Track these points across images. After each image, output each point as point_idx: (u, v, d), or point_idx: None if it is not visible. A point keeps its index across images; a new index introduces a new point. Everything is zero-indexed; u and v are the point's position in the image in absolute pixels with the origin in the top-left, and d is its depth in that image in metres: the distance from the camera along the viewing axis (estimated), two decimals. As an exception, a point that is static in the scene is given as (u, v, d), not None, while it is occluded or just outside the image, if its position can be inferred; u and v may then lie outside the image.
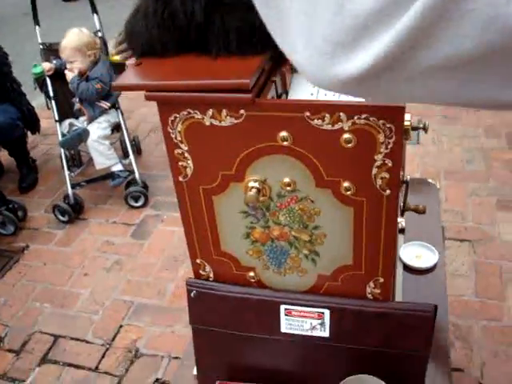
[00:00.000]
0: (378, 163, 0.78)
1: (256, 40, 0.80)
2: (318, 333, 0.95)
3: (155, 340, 2.02)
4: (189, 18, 0.77)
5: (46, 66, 2.58)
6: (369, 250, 0.87)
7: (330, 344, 0.95)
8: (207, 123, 0.79)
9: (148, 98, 0.79)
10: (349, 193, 0.81)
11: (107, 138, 2.60)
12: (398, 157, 0.77)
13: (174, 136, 0.82)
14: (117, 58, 2.91)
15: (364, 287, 0.92)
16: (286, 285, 0.95)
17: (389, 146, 0.76)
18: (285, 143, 0.78)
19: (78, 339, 2.06)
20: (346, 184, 0.81)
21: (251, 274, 0.96)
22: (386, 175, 0.78)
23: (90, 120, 2.57)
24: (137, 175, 2.65)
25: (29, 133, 2.85)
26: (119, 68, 2.76)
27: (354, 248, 0.88)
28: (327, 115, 0.75)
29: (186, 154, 0.84)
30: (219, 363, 1.05)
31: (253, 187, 0.83)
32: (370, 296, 0.93)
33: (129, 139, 2.67)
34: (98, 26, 2.68)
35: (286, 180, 0.82)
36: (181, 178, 0.87)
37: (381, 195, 0.81)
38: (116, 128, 2.69)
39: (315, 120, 0.76)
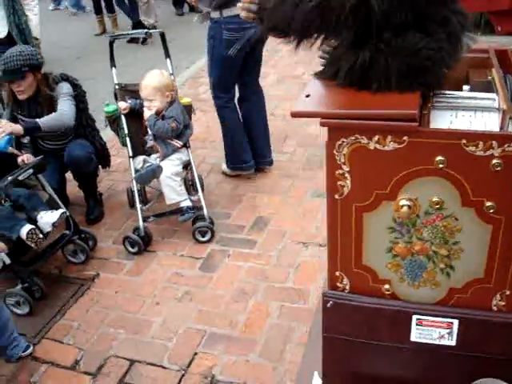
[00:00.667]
0: (521, 183, 0.90)
1: (412, 80, 0.94)
2: (445, 341, 1.05)
3: (230, 368, 2.09)
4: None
5: (122, 105, 2.76)
6: (500, 264, 0.99)
7: (456, 352, 1.05)
8: (371, 147, 0.93)
9: (323, 124, 0.93)
10: (490, 211, 0.94)
11: (179, 174, 2.75)
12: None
13: (338, 158, 0.96)
14: (186, 100, 3.07)
15: (490, 300, 1.03)
16: (419, 297, 1.06)
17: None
18: (440, 166, 0.92)
19: (154, 364, 2.14)
20: (488, 203, 0.93)
21: (386, 286, 1.07)
22: (529, 195, 0.91)
23: (163, 157, 2.73)
24: (205, 211, 2.78)
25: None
26: (188, 109, 2.95)
27: (487, 262, 0.99)
28: (481, 143, 0.88)
29: (347, 175, 0.97)
30: (346, 373, 1.15)
31: (404, 205, 0.96)
32: (495, 308, 1.04)
33: (198, 177, 2.82)
34: (170, 70, 2.88)
35: (435, 199, 0.95)
36: (337, 196, 1.00)
37: (516, 212, 0.93)
38: (185, 166, 2.84)
39: (470, 147, 0.89)
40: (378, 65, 0.94)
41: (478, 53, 1.16)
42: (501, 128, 0.96)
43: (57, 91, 2.72)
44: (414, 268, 1.03)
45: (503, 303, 1.03)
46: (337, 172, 0.97)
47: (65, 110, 2.68)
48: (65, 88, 2.75)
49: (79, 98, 2.82)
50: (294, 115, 0.94)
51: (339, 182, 0.98)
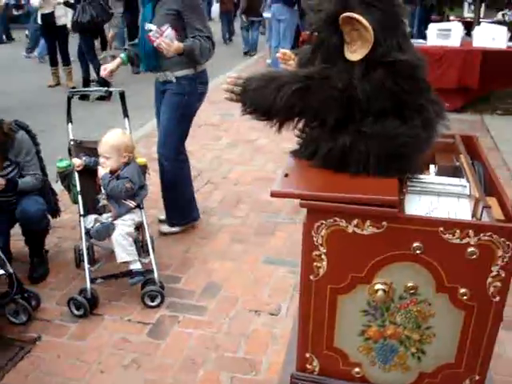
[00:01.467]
0: (493, 274, 0.93)
1: (390, 165, 0.97)
2: (416, 428, 1.03)
3: None
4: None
5: (77, 161, 2.70)
6: (471, 349, 0.99)
7: None
8: (350, 231, 0.94)
9: (302, 206, 0.93)
10: (464, 298, 0.95)
11: (131, 235, 2.68)
12: (511, 269, 0.92)
13: (315, 239, 0.96)
14: (142, 160, 3.04)
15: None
16: (389, 381, 1.05)
17: (505, 260, 0.91)
18: (417, 252, 0.93)
19: None
20: (462, 290, 0.95)
21: (357, 369, 1.05)
22: (499, 284, 0.93)
23: (116, 217, 2.66)
24: (155, 275, 2.71)
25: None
26: (143, 169, 2.92)
27: (458, 347, 1.00)
28: (458, 231, 0.91)
29: (323, 256, 0.97)
30: None
31: (379, 289, 0.96)
32: (465, 394, 1.03)
33: (150, 239, 2.76)
34: (128, 129, 2.86)
35: (410, 284, 0.96)
36: (312, 277, 0.99)
37: (490, 301, 0.95)
38: (137, 227, 2.78)
39: (447, 234, 0.91)
40: (358, 149, 0.96)
41: (444, 137, 1.20)
42: (472, 215, 0.99)
43: (17, 143, 2.66)
44: (385, 352, 1.03)
45: (473, 389, 1.03)
46: (313, 253, 0.97)
47: (38, 174, 2.65)
48: (27, 144, 2.69)
49: (37, 150, 2.77)
50: (275, 195, 0.94)
51: (315, 263, 0.98)
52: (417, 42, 6.51)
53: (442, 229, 0.90)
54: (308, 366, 1.07)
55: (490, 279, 0.93)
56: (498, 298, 0.94)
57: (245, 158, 4.99)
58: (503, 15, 9.26)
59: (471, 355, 0.99)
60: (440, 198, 1.02)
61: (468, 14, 9.98)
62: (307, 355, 1.06)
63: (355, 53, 0.96)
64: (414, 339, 1.00)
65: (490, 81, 6.45)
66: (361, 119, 0.96)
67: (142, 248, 2.94)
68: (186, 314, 2.76)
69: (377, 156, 0.96)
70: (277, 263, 3.29)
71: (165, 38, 2.81)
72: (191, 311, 2.78)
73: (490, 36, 6.14)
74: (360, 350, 1.03)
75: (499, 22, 8.23)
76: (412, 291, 0.96)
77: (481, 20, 8.19)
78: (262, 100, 1.00)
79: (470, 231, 0.90)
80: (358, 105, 0.95)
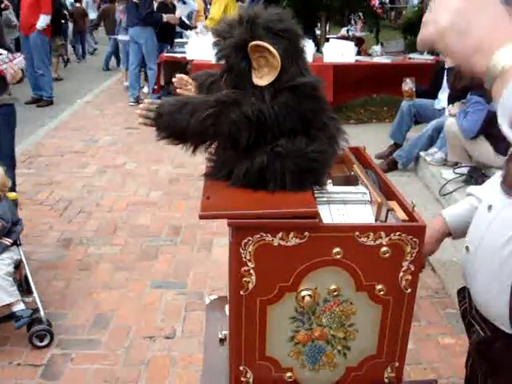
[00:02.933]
0: (404, 268, 1.04)
1: (303, 180, 1.05)
2: (348, 421, 1.12)
3: None
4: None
5: None
6: (390, 339, 1.10)
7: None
8: (275, 244, 0.99)
9: (230, 224, 0.97)
10: (381, 293, 1.05)
11: (11, 274, 2.52)
12: (419, 262, 1.04)
13: (243, 256, 1.00)
14: (13, 194, 2.91)
15: (382, 373, 1.13)
16: (319, 380, 1.12)
17: (413, 255, 1.03)
18: (337, 257, 1.01)
19: None
20: (379, 286, 1.05)
21: (289, 374, 1.11)
22: (409, 277, 1.05)
23: (-9, 258, 2.49)
24: (42, 313, 2.57)
25: None
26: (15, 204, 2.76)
27: (378, 339, 1.10)
28: (371, 234, 1.00)
29: (252, 271, 1.01)
30: None
31: (305, 295, 1.03)
32: (386, 380, 1.14)
33: (31, 276, 2.61)
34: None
35: (333, 287, 1.04)
36: (242, 292, 1.03)
37: (404, 293, 1.06)
38: (16, 266, 2.62)
39: (362, 238, 1.00)
40: (274, 168, 1.03)
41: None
42: (376, 219, 1.10)
43: None
44: (314, 353, 1.09)
45: (393, 374, 1.13)
46: (242, 269, 1.01)
47: None
48: None
49: None
50: (203, 217, 0.97)
51: (244, 279, 1.02)
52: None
53: (357, 233, 1.00)
54: (242, 379, 1.10)
55: (401, 273, 1.03)
56: (409, 290, 1.05)
57: (116, 184, 4.88)
58: (347, 31, 10.07)
59: (391, 344, 1.10)
60: (346, 206, 1.11)
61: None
62: (241, 368, 1.09)
63: (262, 78, 1.03)
64: (339, 337, 1.08)
65: (341, 93, 6.96)
66: (273, 140, 1.03)
67: (20, 286, 2.78)
68: (79, 349, 2.64)
69: (291, 172, 1.03)
70: (164, 286, 3.26)
71: (14, 65, 2.69)
72: (84, 346, 2.67)
73: (339, 51, 6.63)
74: (291, 355, 1.09)
75: (345, 38, 8.95)
76: (335, 293, 1.04)
77: (327, 36, 8.82)
78: (176, 125, 1.02)
79: (382, 233, 1.00)
80: (269, 127, 1.01)
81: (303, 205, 0.99)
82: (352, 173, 1.28)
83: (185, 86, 1.29)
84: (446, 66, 5.52)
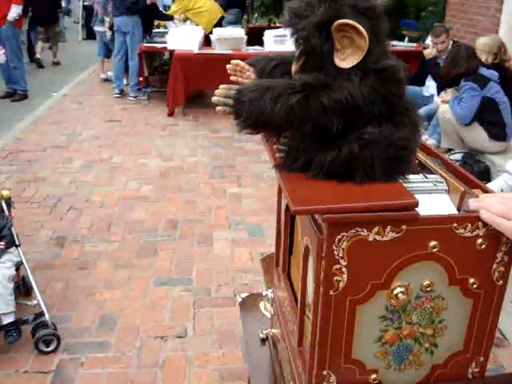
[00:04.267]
0: (498, 260, 0.98)
1: (392, 169, 0.98)
2: (433, 421, 1.06)
3: None
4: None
5: None
6: (478, 333, 1.05)
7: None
8: (371, 239, 0.93)
9: (325, 220, 0.90)
10: (473, 287, 1.00)
11: (13, 278, 2.40)
12: (511, 249, 0.99)
13: (336, 253, 0.93)
14: (4, 192, 2.78)
15: (467, 368, 1.08)
16: (404, 380, 1.06)
17: (508, 245, 0.97)
18: (433, 250, 0.95)
19: None
20: (472, 280, 0.99)
21: (374, 376, 1.05)
22: (502, 268, 0.99)
23: (-10, 261, 2.36)
24: (47, 316, 2.45)
25: None
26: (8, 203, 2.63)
27: (466, 334, 1.04)
28: (469, 225, 0.95)
29: (344, 269, 0.94)
30: None
31: (399, 292, 0.97)
32: (470, 376, 1.09)
33: (26, 278, 2.50)
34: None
35: (426, 282, 0.98)
36: (331, 292, 0.96)
37: (495, 286, 1.01)
38: (17, 268, 2.50)
39: (460, 229, 0.95)
40: (364, 156, 0.96)
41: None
42: (458, 209, 1.05)
43: None
44: (401, 353, 1.03)
45: (477, 370, 1.08)
46: (334, 267, 0.94)
47: None
48: None
49: None
50: (297, 212, 0.89)
51: (335, 278, 0.95)
52: (253, 49, 6.76)
53: (455, 224, 0.94)
54: (324, 383, 1.04)
55: (495, 265, 0.98)
56: (501, 282, 1.00)
57: (104, 179, 4.75)
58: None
59: (478, 339, 1.05)
60: (430, 196, 1.05)
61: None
62: (324, 373, 1.03)
63: (346, 60, 0.95)
64: (427, 335, 1.02)
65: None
66: (360, 127, 0.96)
67: (18, 289, 2.67)
68: (88, 353, 2.54)
69: (382, 162, 0.96)
70: (169, 283, 3.18)
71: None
72: (92, 349, 2.56)
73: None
74: (377, 355, 1.03)
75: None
76: (428, 289, 0.98)
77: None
78: (259, 112, 0.94)
79: (480, 223, 0.94)
80: (358, 112, 0.94)
81: (401, 196, 0.93)
82: (417, 161, 1.22)
83: (241, 72, 1.21)
84: (427, 58, 5.53)
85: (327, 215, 0.89)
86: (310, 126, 0.95)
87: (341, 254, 0.93)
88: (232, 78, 1.24)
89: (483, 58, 4.57)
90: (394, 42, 7.56)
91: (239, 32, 6.99)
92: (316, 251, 0.97)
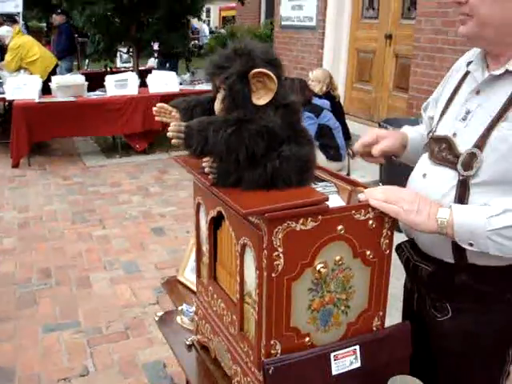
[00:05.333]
0: (384, 234, 1.36)
1: (303, 177, 1.31)
2: (354, 365, 1.39)
3: None
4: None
5: None
6: (377, 293, 1.40)
7: (363, 371, 1.39)
8: (298, 229, 1.23)
9: (267, 218, 1.18)
10: (370, 257, 1.35)
11: None
12: (393, 228, 1.36)
13: (275, 243, 1.22)
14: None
15: (372, 323, 1.43)
16: (329, 339, 1.37)
17: (389, 223, 1.35)
18: (341, 232, 1.29)
19: None
20: (368, 252, 1.35)
21: (307, 339, 1.35)
22: (387, 241, 1.37)
23: None
24: None
25: None
26: None
27: (369, 295, 1.39)
28: (363, 211, 1.30)
29: (281, 255, 1.24)
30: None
31: (320, 268, 1.29)
32: (375, 328, 1.44)
33: None
34: None
35: (338, 257, 1.31)
36: (273, 274, 1.25)
37: (384, 255, 1.38)
38: None
39: (357, 215, 1.30)
40: (282, 170, 1.27)
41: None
42: (348, 203, 1.41)
43: None
44: (325, 317, 1.35)
45: (379, 323, 1.44)
46: (274, 254, 1.23)
47: None
48: None
49: None
50: (248, 214, 1.17)
51: (275, 262, 1.24)
52: (95, 95, 6.86)
53: (353, 211, 1.29)
54: (272, 351, 1.31)
55: (382, 239, 1.35)
56: (387, 251, 1.37)
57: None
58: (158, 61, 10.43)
59: (377, 298, 1.40)
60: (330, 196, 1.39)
61: (121, 64, 10.81)
62: (272, 342, 1.30)
63: (260, 99, 1.27)
64: (342, 299, 1.35)
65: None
66: (278, 147, 1.27)
67: None
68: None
69: (294, 172, 1.28)
70: (58, 329, 3.21)
71: None
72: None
73: (163, 82, 6.93)
74: (308, 322, 1.33)
75: (154, 68, 9.24)
76: (339, 262, 1.31)
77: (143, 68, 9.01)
78: (205, 143, 1.21)
79: (369, 209, 1.30)
80: (276, 136, 1.26)
81: (315, 195, 1.26)
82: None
83: (168, 113, 1.46)
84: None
85: (267, 214, 1.18)
86: (244, 150, 1.24)
87: (278, 243, 1.23)
88: (157, 118, 1.48)
89: (317, 88, 5.24)
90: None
91: (79, 78, 7.04)
92: (258, 244, 1.25)
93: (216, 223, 1.55)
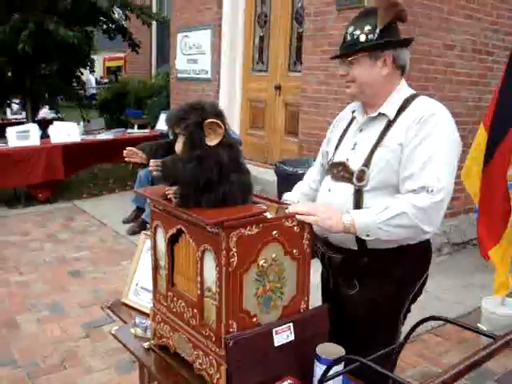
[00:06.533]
0: (305, 236, 1.85)
1: (245, 198, 1.79)
2: (290, 338, 1.84)
3: None
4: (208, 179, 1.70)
5: None
6: (302, 282, 1.88)
7: (296, 342, 1.85)
8: (246, 234, 1.69)
9: (226, 225, 1.63)
10: (296, 254, 1.84)
11: None
12: (311, 232, 1.86)
13: (231, 245, 1.67)
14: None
15: (300, 305, 1.90)
16: (271, 318, 1.82)
17: (309, 228, 1.85)
18: (276, 236, 1.76)
19: None
20: (295, 250, 1.83)
21: (254, 319, 1.79)
22: (307, 242, 1.86)
23: None
24: None
25: None
26: None
27: (297, 283, 1.87)
28: (290, 220, 1.79)
29: (235, 254, 1.68)
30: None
31: (262, 264, 1.75)
32: (302, 309, 1.91)
33: None
34: None
35: (274, 255, 1.78)
36: (230, 269, 1.69)
37: (305, 252, 1.87)
38: None
39: (286, 223, 1.79)
40: (231, 193, 1.73)
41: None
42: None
43: None
44: (267, 301, 1.80)
45: (305, 306, 1.91)
46: (230, 253, 1.67)
47: None
48: None
49: None
50: (211, 223, 1.61)
51: (231, 260, 1.68)
52: (-3, 145, 6.92)
53: (284, 220, 1.77)
54: (230, 329, 1.73)
55: (304, 240, 1.84)
56: (308, 249, 1.86)
57: None
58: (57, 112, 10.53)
59: (302, 286, 1.88)
60: (263, 211, 1.87)
61: (11, 116, 10.74)
62: (230, 322, 1.72)
63: (212, 141, 1.73)
64: (278, 287, 1.81)
65: (72, 168, 7.45)
66: (227, 176, 1.74)
67: None
68: None
69: (240, 194, 1.75)
70: None
71: None
72: None
73: (65, 132, 7.16)
74: (255, 305, 1.77)
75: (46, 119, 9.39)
76: (275, 259, 1.78)
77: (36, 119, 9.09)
78: (175, 174, 1.65)
79: (294, 218, 1.80)
80: (226, 168, 1.72)
81: (257, 209, 1.73)
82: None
83: (135, 155, 1.88)
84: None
85: (225, 223, 1.64)
86: (204, 178, 1.69)
87: (232, 245, 1.67)
88: (127, 159, 1.89)
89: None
90: (129, 130, 8.54)
91: (-22, 131, 7.06)
92: (218, 247, 1.68)
93: (172, 241, 1.96)
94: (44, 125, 8.05)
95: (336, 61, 2.10)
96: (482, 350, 1.35)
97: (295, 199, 2.28)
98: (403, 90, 2.00)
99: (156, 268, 2.12)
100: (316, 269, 2.15)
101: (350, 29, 1.99)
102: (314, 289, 2.00)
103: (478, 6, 5.43)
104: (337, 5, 5.68)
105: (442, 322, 3.25)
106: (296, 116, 6.61)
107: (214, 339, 1.79)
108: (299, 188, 2.40)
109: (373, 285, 2.01)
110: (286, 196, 2.36)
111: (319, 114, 5.98)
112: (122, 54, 18.39)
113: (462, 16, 5.32)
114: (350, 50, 1.97)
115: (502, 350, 1.36)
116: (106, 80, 21.16)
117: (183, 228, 1.86)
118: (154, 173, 1.66)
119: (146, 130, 8.81)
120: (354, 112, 2.14)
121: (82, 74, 10.55)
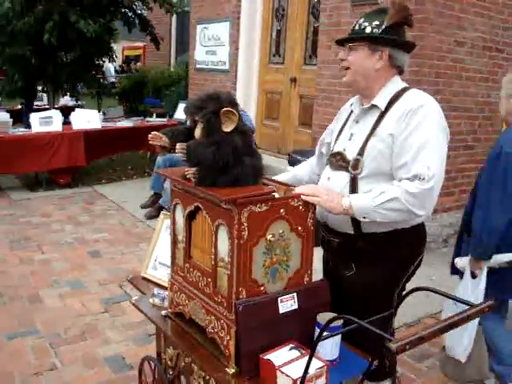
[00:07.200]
0: (309, 215, 2.05)
1: (256, 178, 1.99)
2: (293, 307, 2.04)
3: None
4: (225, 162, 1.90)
5: None
6: (306, 257, 2.08)
7: (300, 311, 2.05)
8: (256, 211, 1.90)
9: (239, 202, 1.83)
10: (301, 231, 2.04)
11: None
12: (314, 211, 2.06)
13: (242, 220, 1.87)
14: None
15: (303, 278, 2.10)
16: (277, 288, 2.03)
17: (313, 208, 2.05)
18: (283, 214, 1.96)
19: None
20: (300, 228, 2.03)
21: (262, 288, 1.99)
22: (312, 220, 2.06)
23: None
24: None
25: None
26: None
27: (301, 258, 2.07)
28: (296, 200, 1.99)
29: (246, 228, 1.89)
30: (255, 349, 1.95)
31: (271, 238, 1.95)
32: (305, 282, 2.11)
33: None
34: None
35: (281, 231, 1.98)
36: (241, 241, 1.89)
37: (310, 229, 2.07)
38: None
39: (292, 202, 1.99)
40: (244, 174, 1.93)
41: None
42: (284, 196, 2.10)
43: None
44: (273, 272, 2.00)
45: (308, 279, 2.11)
46: (241, 227, 1.88)
47: None
48: None
49: None
50: (227, 200, 1.82)
51: (242, 233, 1.88)
52: (20, 131, 7.18)
53: (290, 200, 1.97)
54: (240, 296, 1.94)
55: (308, 219, 2.04)
56: (312, 228, 2.06)
57: None
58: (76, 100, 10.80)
59: (306, 260, 2.08)
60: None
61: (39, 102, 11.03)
62: (240, 289, 1.93)
63: (227, 128, 1.94)
64: (284, 260, 2.01)
65: (92, 155, 7.69)
66: (241, 157, 1.94)
67: None
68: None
69: (252, 175, 1.95)
70: (19, 336, 3.63)
71: None
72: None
73: (86, 119, 7.41)
74: (263, 275, 1.97)
75: (78, 106, 9.64)
76: (282, 234, 1.98)
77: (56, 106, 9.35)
78: (198, 156, 1.85)
79: (299, 198, 1.99)
80: (239, 151, 1.93)
81: (267, 189, 1.94)
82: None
83: (159, 139, 2.09)
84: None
85: (238, 200, 1.84)
86: (221, 161, 1.89)
87: (244, 220, 1.88)
88: (151, 142, 2.10)
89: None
90: (148, 119, 8.78)
91: (4, 116, 7.33)
92: (231, 222, 1.89)
93: (190, 217, 2.17)
94: (65, 112, 8.29)
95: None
96: (460, 313, 1.54)
97: (286, 179, 2.47)
98: (396, 83, 2.18)
99: (175, 242, 2.33)
100: (319, 258, 2.33)
101: (361, 20, 2.19)
102: (316, 276, 2.18)
103: (489, 4, 5.55)
104: (352, 1, 5.84)
105: (442, 308, 3.41)
106: (310, 108, 6.79)
107: (225, 305, 2.00)
108: (294, 170, 2.62)
109: (369, 267, 2.20)
110: (280, 177, 2.53)
111: (332, 106, 6.15)
112: (141, 44, 18.63)
113: (473, 14, 5.44)
114: (353, 36, 2.17)
115: (477, 315, 1.55)
116: (124, 69, 21.39)
117: (200, 205, 2.07)
118: (179, 154, 1.87)
119: (165, 119, 9.03)
120: (351, 105, 2.34)
121: (104, 61, 10.78)
